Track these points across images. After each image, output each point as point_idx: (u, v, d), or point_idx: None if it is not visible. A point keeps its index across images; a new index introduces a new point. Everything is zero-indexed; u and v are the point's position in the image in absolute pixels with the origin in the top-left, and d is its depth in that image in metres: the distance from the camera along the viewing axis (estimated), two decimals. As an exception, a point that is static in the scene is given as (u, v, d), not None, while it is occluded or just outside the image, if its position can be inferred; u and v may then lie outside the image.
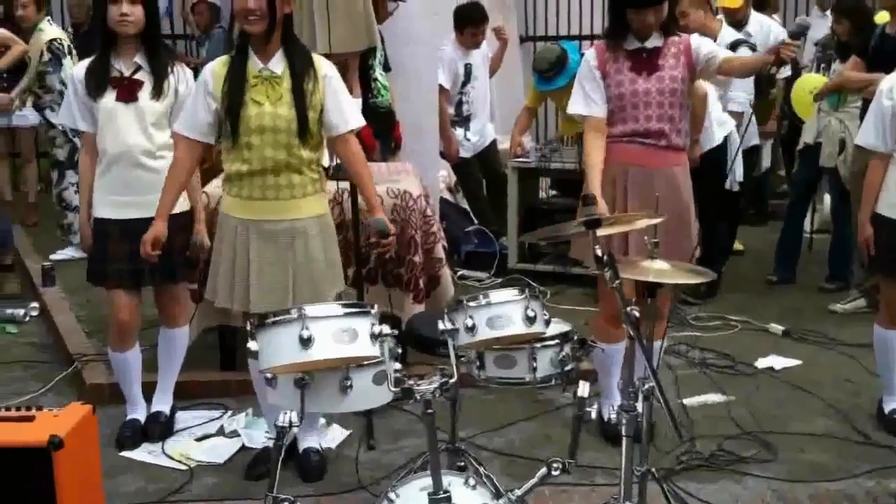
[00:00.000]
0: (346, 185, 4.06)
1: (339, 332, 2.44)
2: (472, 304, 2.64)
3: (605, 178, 3.60)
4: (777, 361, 4.69)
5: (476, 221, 6.57)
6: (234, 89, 3.19)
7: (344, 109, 3.30)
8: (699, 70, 3.61)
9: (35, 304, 5.49)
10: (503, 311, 2.63)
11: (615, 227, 2.95)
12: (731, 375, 4.56)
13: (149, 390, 3.98)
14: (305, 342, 2.40)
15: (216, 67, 3.27)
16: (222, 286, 3.34)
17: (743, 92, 5.69)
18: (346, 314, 2.48)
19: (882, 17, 5.96)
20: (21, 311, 5.36)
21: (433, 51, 5.92)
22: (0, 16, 7.20)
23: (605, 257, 2.60)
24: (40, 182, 7.76)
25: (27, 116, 7.23)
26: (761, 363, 4.68)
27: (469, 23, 6.49)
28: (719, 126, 5.51)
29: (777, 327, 5.15)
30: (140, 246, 3.34)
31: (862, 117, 4.32)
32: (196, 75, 7.75)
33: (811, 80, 6.07)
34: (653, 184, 3.53)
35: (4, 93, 6.82)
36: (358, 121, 3.38)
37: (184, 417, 4.07)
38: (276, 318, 2.46)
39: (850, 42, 5.56)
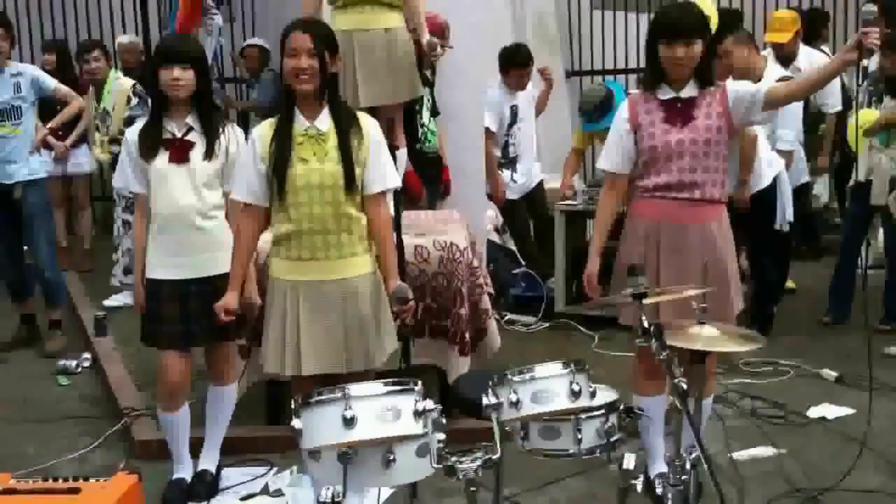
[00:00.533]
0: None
1: (382, 410, 2.43)
2: (516, 378, 2.61)
3: (637, 234, 3.56)
4: (830, 410, 4.59)
5: (523, 263, 6.55)
6: (281, 148, 3.22)
7: (383, 169, 3.32)
8: (739, 115, 3.50)
9: (87, 356, 5.57)
10: (548, 386, 2.60)
11: (662, 296, 2.91)
12: (782, 426, 4.46)
13: (196, 445, 4.00)
14: (349, 422, 2.40)
15: (263, 129, 3.30)
16: (272, 351, 3.34)
17: (791, 130, 5.61)
18: (389, 392, 2.47)
19: None
20: (73, 363, 5.45)
21: (480, 93, 5.94)
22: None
23: (653, 328, 2.56)
24: (94, 227, 7.90)
25: (82, 164, 7.40)
26: (814, 412, 4.58)
27: (514, 65, 6.51)
28: (768, 166, 5.44)
29: (830, 373, 5.04)
30: (215, 315, 3.42)
31: None
32: (246, 118, 7.96)
33: (865, 115, 5.96)
34: (687, 238, 3.48)
35: (60, 141, 7.00)
36: (395, 181, 3.39)
37: (229, 474, 4.08)
38: (320, 398, 2.46)
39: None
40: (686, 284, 3.11)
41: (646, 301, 2.64)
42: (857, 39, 3.26)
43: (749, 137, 5.14)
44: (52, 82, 5.64)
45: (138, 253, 3.81)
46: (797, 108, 5.53)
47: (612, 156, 3.62)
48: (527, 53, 6.61)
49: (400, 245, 3.99)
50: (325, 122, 3.25)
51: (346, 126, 3.24)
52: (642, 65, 3.72)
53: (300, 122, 3.25)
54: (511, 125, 6.61)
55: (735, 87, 3.55)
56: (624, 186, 3.63)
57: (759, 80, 5.48)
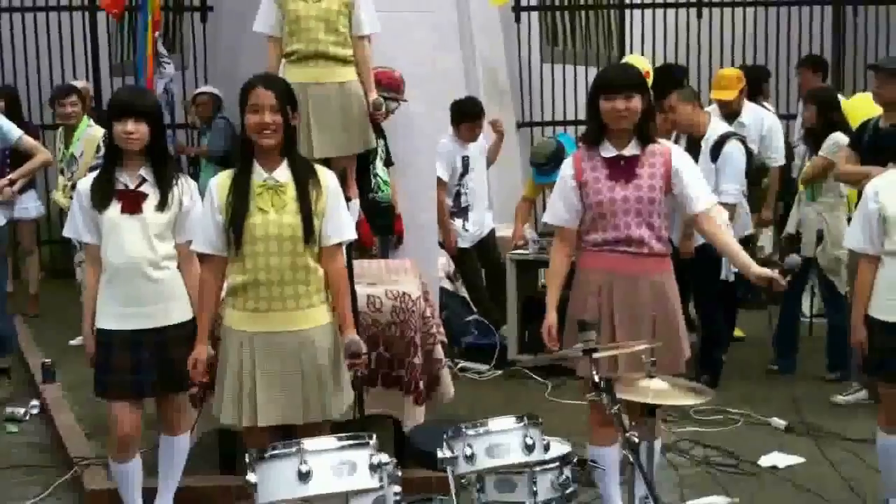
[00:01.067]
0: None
1: (337, 465, 2.46)
2: (470, 432, 2.65)
3: (589, 286, 3.63)
4: (780, 459, 4.67)
5: (475, 311, 6.60)
6: (239, 198, 3.25)
7: (340, 221, 3.37)
8: (673, 193, 3.62)
9: (35, 402, 5.48)
10: (502, 440, 2.64)
11: (612, 350, 2.97)
12: (734, 475, 4.53)
13: (149, 496, 3.94)
14: (304, 476, 2.42)
15: (221, 180, 3.34)
16: (228, 402, 3.33)
17: (734, 183, 5.74)
18: (344, 447, 2.49)
19: (853, 104, 6.10)
20: (21, 410, 5.36)
21: (433, 144, 6.01)
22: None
23: (603, 383, 2.61)
24: (41, 272, 7.80)
25: (29, 209, 7.32)
26: (765, 461, 4.66)
27: (466, 118, 6.62)
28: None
29: (780, 422, 5.14)
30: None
31: None
32: (197, 163, 7.94)
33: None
34: (638, 292, 3.56)
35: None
36: (351, 233, 3.45)
37: (183, 526, 4.03)
38: (275, 452, 2.46)
39: (816, 128, 5.68)
40: (639, 336, 3.18)
41: (596, 356, 2.69)
42: (769, 279, 3.45)
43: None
44: (16, 133, 5.63)
45: (88, 302, 3.78)
46: (740, 162, 5.68)
47: (559, 210, 3.71)
48: (479, 107, 6.73)
49: (353, 295, 4.01)
50: (283, 173, 3.29)
51: (304, 178, 3.28)
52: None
53: (259, 173, 3.28)
54: (463, 175, 6.70)
55: (680, 166, 3.61)
56: (573, 238, 3.71)
57: (702, 136, 5.67)
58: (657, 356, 2.94)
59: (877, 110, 5.23)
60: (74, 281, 6.69)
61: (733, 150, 5.65)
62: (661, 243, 3.63)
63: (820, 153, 5.66)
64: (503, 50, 9.07)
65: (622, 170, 3.58)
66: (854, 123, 5.52)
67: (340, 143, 4.51)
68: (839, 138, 5.54)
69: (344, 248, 3.49)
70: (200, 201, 3.66)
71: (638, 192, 3.56)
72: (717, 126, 5.81)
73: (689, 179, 3.63)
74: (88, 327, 3.76)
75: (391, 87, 5.16)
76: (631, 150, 3.60)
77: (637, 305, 3.52)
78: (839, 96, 6.25)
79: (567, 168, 3.69)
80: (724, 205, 5.74)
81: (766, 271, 3.50)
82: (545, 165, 6.13)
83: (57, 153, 6.73)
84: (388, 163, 5.46)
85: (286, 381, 3.28)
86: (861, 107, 5.84)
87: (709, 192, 3.76)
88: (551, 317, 3.66)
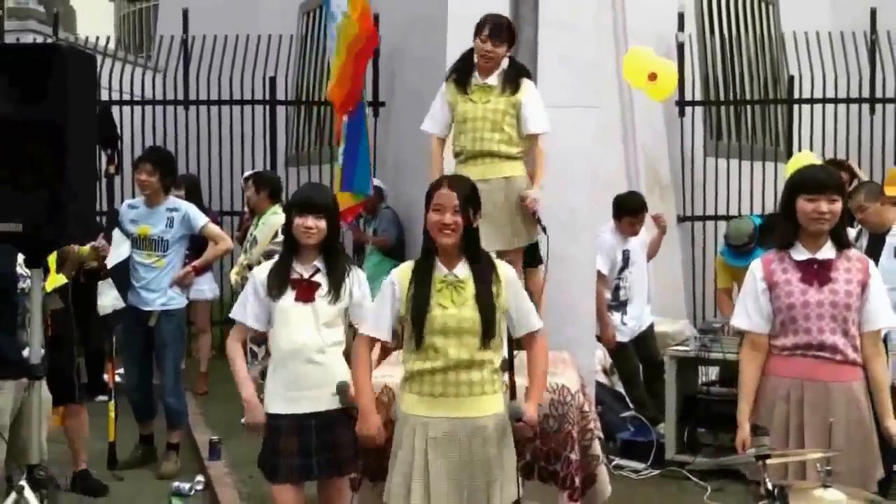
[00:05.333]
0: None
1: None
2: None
3: (777, 393, 3.51)
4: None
5: (631, 407, 6.48)
6: (421, 292, 3.35)
7: (526, 312, 3.47)
8: (862, 307, 3.49)
9: (200, 478, 5.64)
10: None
11: (787, 458, 2.86)
12: None
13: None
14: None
15: (402, 272, 3.45)
16: (397, 488, 3.37)
17: None
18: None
19: None
20: (187, 486, 5.54)
21: (592, 237, 6.02)
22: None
23: (777, 491, 2.52)
24: (212, 351, 8.15)
25: (204, 291, 7.70)
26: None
27: (628, 212, 6.60)
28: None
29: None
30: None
31: None
32: (362, 251, 8.14)
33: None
34: (831, 399, 3.42)
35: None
36: (538, 322, 3.50)
37: None
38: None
39: None
40: (829, 444, 3.06)
41: (769, 462, 2.60)
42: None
43: None
44: (201, 220, 5.91)
45: (240, 368, 3.92)
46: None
47: (752, 316, 3.60)
48: (640, 202, 6.70)
49: (512, 386, 4.02)
50: (463, 269, 3.39)
51: (484, 275, 3.37)
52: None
53: (440, 269, 3.38)
54: (623, 269, 6.66)
55: (877, 289, 3.51)
56: (765, 345, 3.58)
57: (887, 232, 5.44)
58: (844, 466, 2.82)
59: None
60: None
61: None
62: (856, 352, 3.49)
63: None
64: (666, 144, 9.05)
65: (815, 273, 3.48)
66: None
67: (504, 236, 4.59)
68: None
69: (539, 334, 3.53)
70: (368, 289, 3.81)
71: (833, 297, 3.44)
72: None
73: (878, 295, 3.51)
74: (250, 391, 3.87)
75: None
76: (825, 253, 3.50)
77: (828, 413, 3.38)
78: None
79: (756, 270, 3.60)
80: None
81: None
82: (743, 247, 6.02)
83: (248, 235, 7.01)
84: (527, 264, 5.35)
85: (455, 472, 3.31)
86: None
87: (891, 315, 3.58)
88: (745, 429, 3.47)
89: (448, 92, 4.77)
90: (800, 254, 3.52)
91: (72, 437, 5.48)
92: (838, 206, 3.46)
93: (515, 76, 4.69)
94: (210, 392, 7.62)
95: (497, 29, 4.64)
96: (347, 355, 3.79)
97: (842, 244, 3.51)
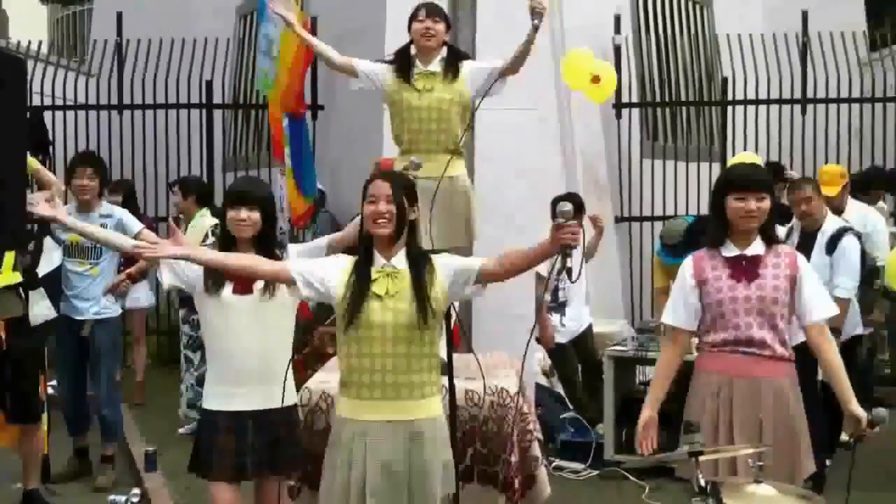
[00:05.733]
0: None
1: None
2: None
3: (707, 388, 3.55)
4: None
5: (571, 408, 6.51)
6: (357, 281, 3.28)
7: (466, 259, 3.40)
8: (796, 303, 3.53)
9: (137, 491, 5.57)
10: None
11: (720, 454, 2.89)
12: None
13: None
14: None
15: (349, 258, 3.38)
16: (337, 494, 3.31)
17: (850, 279, 5.57)
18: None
19: None
20: (123, 498, 5.46)
21: (531, 238, 6.02)
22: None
23: (709, 487, 2.54)
24: (148, 360, 8.03)
25: (140, 299, 7.59)
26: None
27: (566, 213, 6.61)
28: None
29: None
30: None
31: None
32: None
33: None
34: (760, 395, 3.47)
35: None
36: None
37: None
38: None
39: None
40: (758, 441, 3.09)
41: (702, 458, 2.62)
42: (858, 420, 3.38)
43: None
44: (136, 226, 5.78)
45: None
46: (856, 257, 5.54)
47: (678, 311, 3.66)
48: (578, 202, 6.72)
49: (451, 389, 4.02)
50: (400, 261, 3.34)
51: (421, 266, 3.32)
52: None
53: (377, 260, 3.34)
54: (560, 270, 6.66)
55: (806, 274, 3.55)
56: (686, 342, 3.67)
57: (818, 229, 5.56)
58: (773, 462, 2.86)
59: None
60: (178, 369, 6.86)
61: (850, 244, 5.53)
62: (784, 347, 3.54)
63: None
64: (603, 145, 9.13)
65: (744, 269, 3.53)
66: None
67: (447, 235, 4.57)
68: None
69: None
70: None
71: (760, 292, 3.49)
72: (833, 220, 5.69)
73: (812, 287, 3.56)
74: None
75: None
76: (753, 249, 3.56)
77: (758, 408, 3.42)
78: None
79: (687, 268, 3.66)
80: (838, 300, 5.57)
81: (861, 413, 3.39)
82: (678, 246, 6.08)
83: None
84: None
85: (394, 474, 3.25)
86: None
87: (829, 304, 3.64)
88: (646, 413, 3.60)
89: (387, 81, 4.65)
90: (729, 251, 3.57)
91: (26, 458, 5.29)
92: (766, 203, 3.51)
93: (454, 59, 4.67)
94: (147, 402, 7.48)
95: (433, 7, 4.63)
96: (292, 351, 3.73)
97: (771, 240, 3.56)
